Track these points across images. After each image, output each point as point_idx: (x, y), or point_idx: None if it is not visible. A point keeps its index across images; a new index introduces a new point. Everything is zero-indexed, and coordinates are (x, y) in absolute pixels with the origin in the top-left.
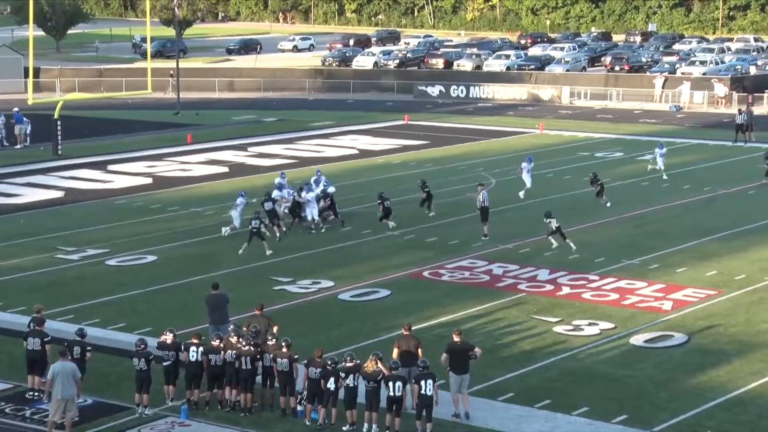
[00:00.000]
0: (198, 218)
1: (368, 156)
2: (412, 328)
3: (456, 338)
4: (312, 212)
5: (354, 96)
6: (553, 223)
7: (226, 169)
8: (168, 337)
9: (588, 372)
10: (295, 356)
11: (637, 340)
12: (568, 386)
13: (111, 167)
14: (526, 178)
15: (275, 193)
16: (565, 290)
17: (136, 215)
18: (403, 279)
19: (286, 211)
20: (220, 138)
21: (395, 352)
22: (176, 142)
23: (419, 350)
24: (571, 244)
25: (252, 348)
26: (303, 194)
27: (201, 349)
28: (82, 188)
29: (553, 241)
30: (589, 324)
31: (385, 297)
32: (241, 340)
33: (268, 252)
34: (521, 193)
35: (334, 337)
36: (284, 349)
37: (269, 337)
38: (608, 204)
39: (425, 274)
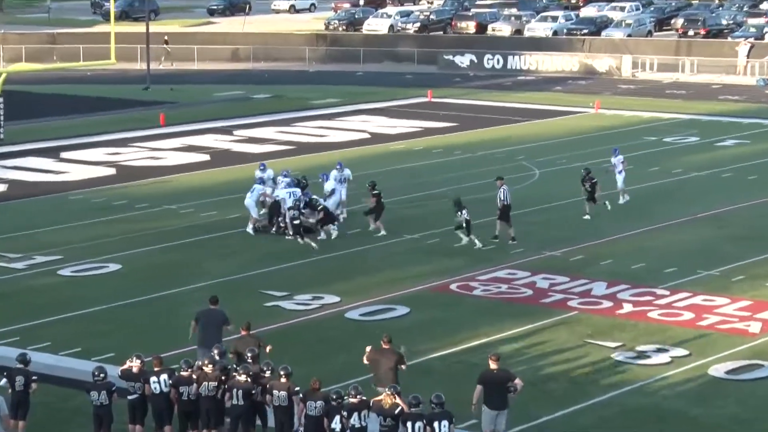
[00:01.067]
0: (172, 218)
1: (382, 141)
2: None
3: (492, 365)
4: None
5: (365, 67)
6: (463, 215)
7: (206, 157)
8: (134, 365)
9: (656, 410)
10: (296, 388)
11: (717, 370)
12: (631, 427)
13: (65, 155)
14: (619, 179)
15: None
16: (627, 308)
17: (96, 214)
18: (425, 293)
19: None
20: (199, 119)
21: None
22: (146, 123)
23: (403, 367)
24: (476, 241)
25: (246, 378)
26: (278, 190)
27: (164, 377)
28: (28, 180)
29: (461, 236)
30: (658, 350)
31: (402, 315)
32: (215, 367)
33: (314, 245)
34: (620, 200)
35: (339, 365)
36: (282, 379)
37: (264, 367)
38: (609, 206)
39: (453, 287)
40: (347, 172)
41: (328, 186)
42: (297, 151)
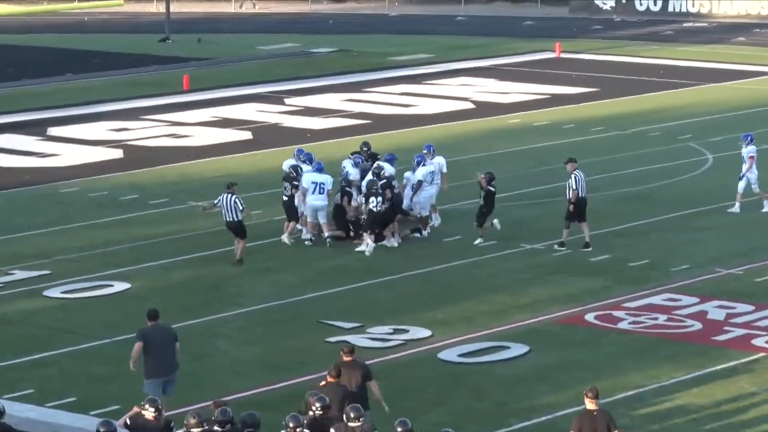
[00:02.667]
0: (199, 219)
1: (491, 113)
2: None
3: (589, 405)
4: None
5: (467, 9)
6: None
7: (247, 135)
8: (149, 413)
9: None
10: None
11: None
12: None
13: (54, 131)
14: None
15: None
16: None
17: (95, 213)
18: (549, 326)
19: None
20: (237, 82)
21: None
22: (164, 88)
23: (374, 389)
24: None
25: None
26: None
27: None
28: (3, 166)
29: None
30: None
31: (519, 357)
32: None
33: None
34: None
35: (431, 421)
36: None
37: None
38: (498, 226)
39: (590, 317)
40: (439, 160)
41: (418, 174)
42: (372, 128)
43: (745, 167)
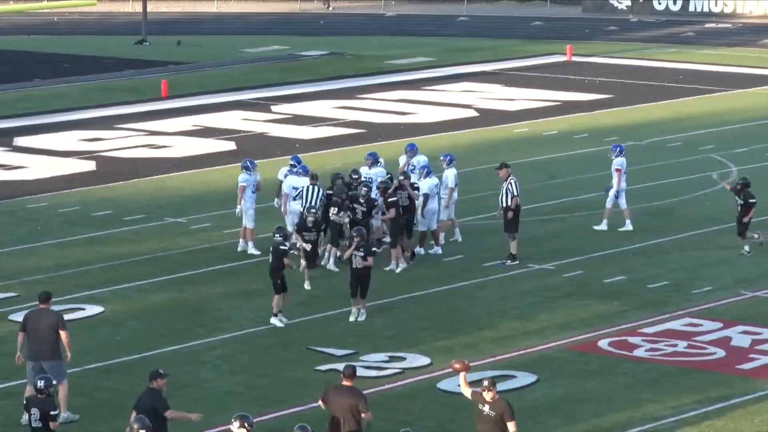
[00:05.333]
0: (178, 236)
1: (496, 122)
2: None
3: None
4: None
5: (470, 9)
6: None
7: (230, 145)
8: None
9: None
10: None
11: None
12: None
13: (20, 141)
14: None
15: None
16: None
17: (66, 230)
18: (560, 353)
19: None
20: (220, 88)
21: None
22: (140, 94)
23: (363, 415)
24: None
25: None
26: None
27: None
28: None
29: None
30: None
31: (527, 387)
32: None
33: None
34: None
35: None
36: None
37: None
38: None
39: (603, 344)
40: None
41: (423, 187)
42: (366, 137)
43: (614, 181)
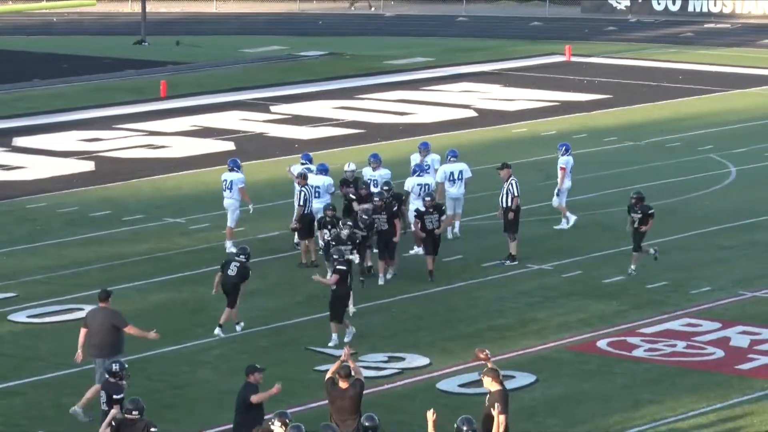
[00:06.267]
0: (177, 236)
1: (495, 122)
2: None
3: None
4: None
5: (469, 9)
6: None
7: (229, 146)
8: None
9: None
10: None
11: None
12: None
13: (20, 141)
14: None
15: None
16: None
17: (65, 230)
18: (559, 353)
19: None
20: (217, 89)
21: None
22: (140, 95)
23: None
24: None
25: None
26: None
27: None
28: None
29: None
30: None
31: (525, 387)
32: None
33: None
34: None
35: None
36: None
37: None
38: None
39: (602, 344)
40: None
41: (409, 184)
42: (365, 137)
43: (558, 179)
